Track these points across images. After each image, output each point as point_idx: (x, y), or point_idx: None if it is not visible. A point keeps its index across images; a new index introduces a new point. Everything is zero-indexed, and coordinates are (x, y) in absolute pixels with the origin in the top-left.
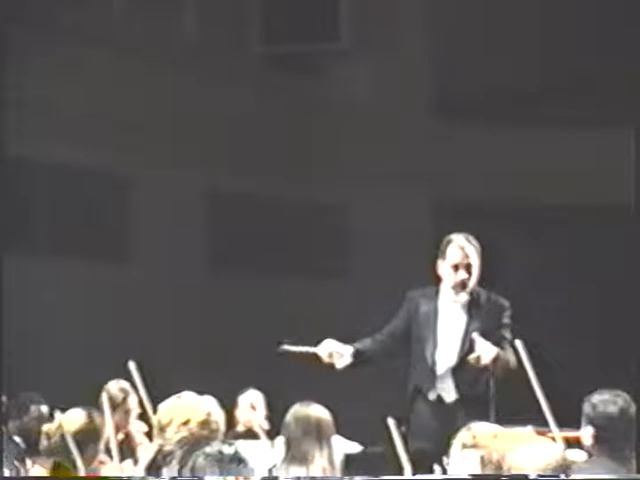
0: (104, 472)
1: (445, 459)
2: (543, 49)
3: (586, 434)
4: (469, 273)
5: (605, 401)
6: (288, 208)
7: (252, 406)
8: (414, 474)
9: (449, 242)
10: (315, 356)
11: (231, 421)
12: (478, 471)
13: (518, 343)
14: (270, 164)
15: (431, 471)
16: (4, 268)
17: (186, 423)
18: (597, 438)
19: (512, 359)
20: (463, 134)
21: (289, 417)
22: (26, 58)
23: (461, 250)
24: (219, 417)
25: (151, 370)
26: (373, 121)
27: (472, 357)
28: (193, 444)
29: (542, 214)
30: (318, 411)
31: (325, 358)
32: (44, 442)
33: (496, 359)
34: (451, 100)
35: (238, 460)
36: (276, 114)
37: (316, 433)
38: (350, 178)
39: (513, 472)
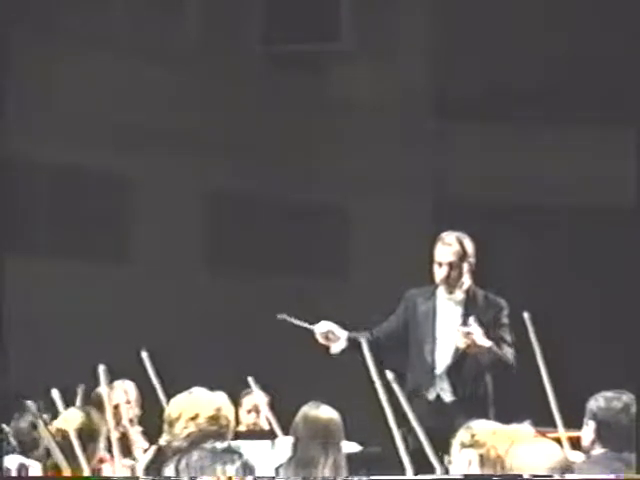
0: (106, 470)
1: (446, 457)
2: (543, 49)
3: (588, 429)
4: (453, 271)
5: (609, 397)
6: (288, 208)
7: (255, 407)
8: (414, 474)
9: (437, 240)
10: (311, 336)
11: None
12: (477, 470)
13: (525, 316)
14: (270, 164)
15: (432, 471)
16: (4, 268)
17: (194, 418)
18: (599, 433)
19: (508, 359)
20: (463, 134)
21: (298, 418)
22: (26, 58)
23: (446, 248)
24: (229, 413)
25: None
26: (373, 121)
27: (463, 338)
28: (201, 440)
29: (542, 214)
30: (328, 413)
31: (321, 338)
32: (44, 444)
33: (489, 350)
34: (451, 100)
35: (231, 452)
36: (276, 114)
37: (323, 437)
38: (350, 178)
39: (512, 471)
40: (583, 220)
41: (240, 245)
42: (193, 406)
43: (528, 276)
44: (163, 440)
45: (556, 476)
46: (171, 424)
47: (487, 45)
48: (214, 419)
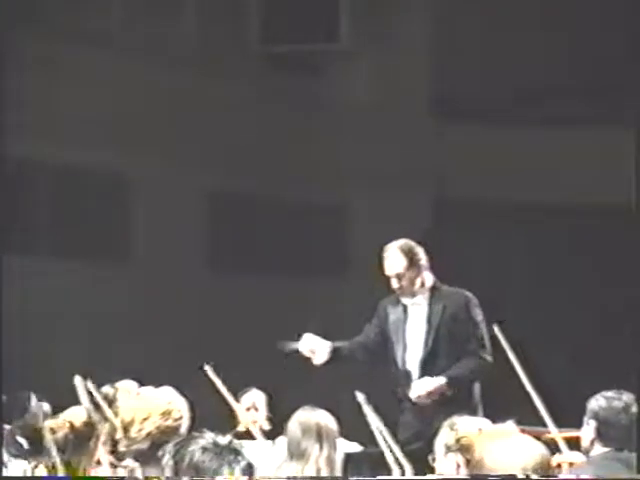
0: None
1: (431, 455)
2: (544, 49)
3: (588, 429)
4: (403, 281)
5: (609, 397)
6: (288, 208)
7: (254, 406)
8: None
9: (382, 253)
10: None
11: (233, 421)
12: (465, 474)
13: (497, 330)
14: (270, 164)
15: (424, 472)
16: (4, 268)
17: (147, 418)
18: (599, 432)
19: (474, 369)
20: (463, 134)
21: (292, 420)
22: (26, 58)
23: (388, 261)
24: (181, 405)
25: (151, 370)
26: (373, 121)
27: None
28: (160, 436)
29: (542, 214)
30: (320, 415)
31: (307, 353)
32: (48, 436)
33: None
34: (451, 100)
35: (235, 451)
36: (276, 114)
37: (316, 433)
38: (350, 178)
39: (498, 472)
40: (583, 220)
41: (240, 245)
42: (144, 406)
43: (528, 275)
44: (122, 446)
45: (562, 476)
46: (126, 429)
47: (487, 45)
48: (167, 414)
